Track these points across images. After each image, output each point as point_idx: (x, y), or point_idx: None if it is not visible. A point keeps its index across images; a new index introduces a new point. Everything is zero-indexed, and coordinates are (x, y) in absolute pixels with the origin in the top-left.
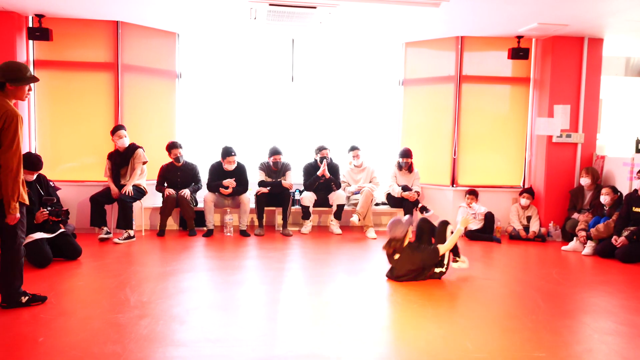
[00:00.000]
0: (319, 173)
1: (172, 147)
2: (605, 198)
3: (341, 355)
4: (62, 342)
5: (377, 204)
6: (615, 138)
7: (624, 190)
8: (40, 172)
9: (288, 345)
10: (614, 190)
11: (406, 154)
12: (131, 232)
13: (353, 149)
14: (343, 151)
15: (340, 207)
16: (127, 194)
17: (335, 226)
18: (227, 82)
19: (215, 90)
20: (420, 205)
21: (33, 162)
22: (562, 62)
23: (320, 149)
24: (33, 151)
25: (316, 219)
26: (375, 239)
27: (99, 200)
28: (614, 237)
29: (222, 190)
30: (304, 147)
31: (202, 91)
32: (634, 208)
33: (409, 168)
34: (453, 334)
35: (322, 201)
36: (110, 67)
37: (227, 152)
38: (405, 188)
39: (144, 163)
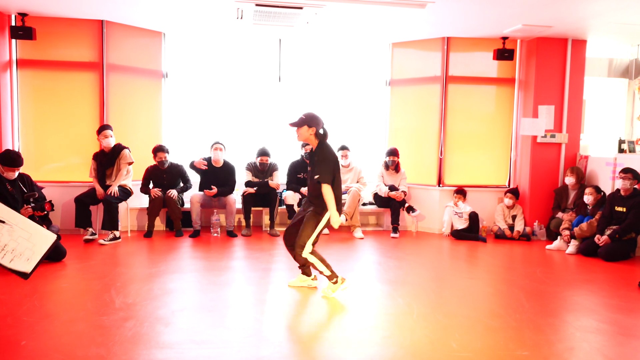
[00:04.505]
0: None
1: (158, 150)
2: (588, 198)
3: (327, 356)
4: (45, 345)
5: (364, 204)
6: (599, 138)
7: (607, 189)
8: (25, 172)
9: (274, 347)
10: (597, 189)
11: (393, 152)
12: (117, 233)
13: (343, 148)
14: None
15: None
16: (112, 194)
17: None
18: (213, 82)
19: (202, 90)
20: (407, 205)
21: (12, 158)
22: (546, 63)
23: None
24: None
25: None
26: (362, 238)
27: (84, 201)
28: (597, 236)
29: (206, 191)
30: (291, 148)
31: (189, 91)
32: (616, 207)
33: (396, 167)
34: (438, 333)
35: None
36: (95, 67)
37: (215, 142)
38: (392, 188)
39: (130, 164)
